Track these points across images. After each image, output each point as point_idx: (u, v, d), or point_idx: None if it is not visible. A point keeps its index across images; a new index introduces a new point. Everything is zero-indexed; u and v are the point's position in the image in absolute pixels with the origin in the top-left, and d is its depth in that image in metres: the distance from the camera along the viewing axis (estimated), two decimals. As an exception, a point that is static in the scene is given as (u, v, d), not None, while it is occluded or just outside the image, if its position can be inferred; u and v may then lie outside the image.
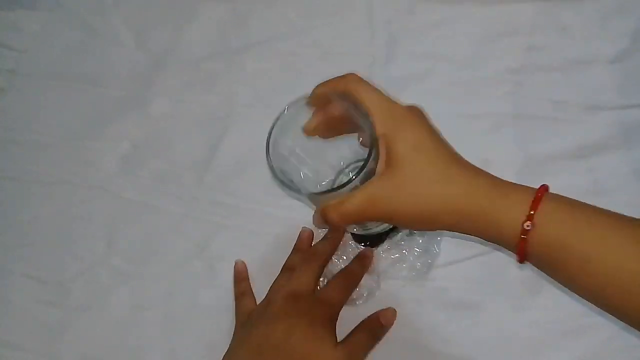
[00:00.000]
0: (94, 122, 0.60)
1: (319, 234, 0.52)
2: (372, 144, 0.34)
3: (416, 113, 0.36)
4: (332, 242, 0.50)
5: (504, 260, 0.51)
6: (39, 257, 0.54)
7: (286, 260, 0.50)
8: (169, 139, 0.59)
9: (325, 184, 0.46)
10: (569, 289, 0.35)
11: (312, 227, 0.52)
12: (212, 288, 0.51)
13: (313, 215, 0.39)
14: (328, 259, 0.49)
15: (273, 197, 0.55)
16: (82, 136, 0.59)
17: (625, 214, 0.47)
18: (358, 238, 0.51)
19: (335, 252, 0.51)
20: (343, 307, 0.47)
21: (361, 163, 0.35)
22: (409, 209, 0.33)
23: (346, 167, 0.46)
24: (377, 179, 0.34)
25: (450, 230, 0.35)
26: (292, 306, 0.44)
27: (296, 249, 0.51)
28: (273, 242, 0.52)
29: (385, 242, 0.51)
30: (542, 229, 0.32)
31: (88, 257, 0.53)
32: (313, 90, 0.38)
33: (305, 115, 0.40)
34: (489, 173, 0.35)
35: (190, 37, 0.63)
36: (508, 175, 0.53)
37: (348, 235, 0.51)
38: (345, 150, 0.45)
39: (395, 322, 0.48)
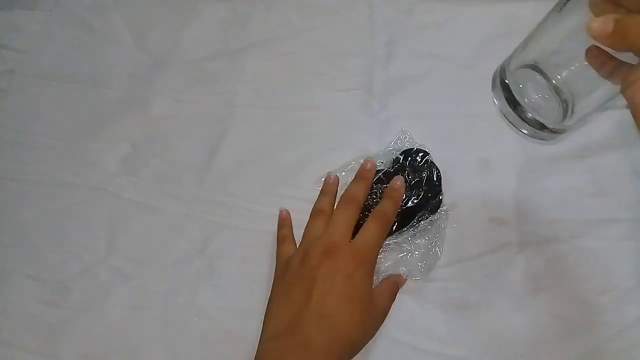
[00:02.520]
0: (94, 123, 0.60)
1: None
2: None
3: None
4: (365, 185, 0.50)
5: (504, 260, 0.51)
6: (39, 257, 0.54)
7: (316, 204, 0.51)
8: (169, 139, 0.59)
9: None
10: None
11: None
12: (212, 288, 0.51)
13: (595, 21, 0.31)
14: (363, 204, 0.49)
15: (273, 197, 0.55)
16: (82, 136, 0.59)
17: (625, 214, 0.47)
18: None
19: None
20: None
21: None
22: None
23: None
24: None
25: None
26: (330, 264, 0.44)
27: (324, 192, 0.52)
28: (273, 242, 0.52)
29: (389, 242, 0.51)
30: None
31: (88, 257, 0.53)
32: None
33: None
34: None
35: (191, 37, 0.63)
36: (508, 175, 0.54)
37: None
38: None
39: (395, 322, 0.48)
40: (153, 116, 0.60)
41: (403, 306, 0.49)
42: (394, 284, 0.49)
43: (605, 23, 0.31)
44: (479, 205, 0.53)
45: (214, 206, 0.55)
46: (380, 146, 0.55)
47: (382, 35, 0.61)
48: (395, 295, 0.49)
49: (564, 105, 0.41)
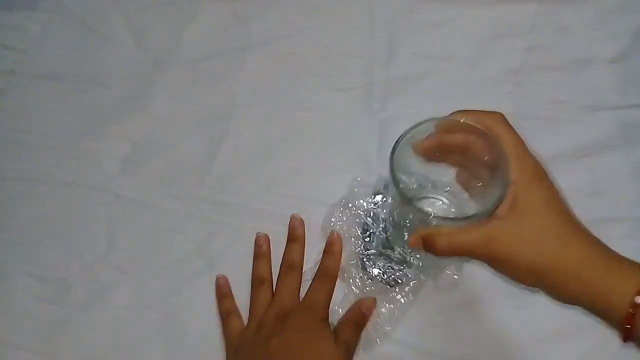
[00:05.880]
0: (95, 122, 0.60)
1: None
2: (504, 188, 0.35)
3: (544, 169, 0.36)
4: (300, 245, 0.51)
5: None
6: (39, 256, 0.54)
7: (253, 271, 0.51)
8: (170, 139, 0.59)
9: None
10: None
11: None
12: (212, 288, 0.51)
13: (410, 237, 0.38)
14: (302, 265, 0.50)
15: (273, 197, 0.55)
16: (82, 136, 0.59)
17: (625, 213, 0.47)
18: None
19: None
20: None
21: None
22: (523, 258, 0.34)
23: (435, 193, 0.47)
24: (500, 221, 0.34)
25: (551, 291, 0.35)
26: (283, 324, 0.45)
27: (258, 256, 0.51)
28: (273, 242, 0.52)
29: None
30: None
31: (89, 257, 0.53)
32: (452, 114, 0.38)
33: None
34: (603, 243, 0.35)
35: (190, 37, 0.63)
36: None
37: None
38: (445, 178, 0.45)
39: (395, 322, 0.48)
40: (153, 116, 0.60)
41: (403, 306, 0.49)
42: (357, 315, 0.47)
43: (416, 241, 0.37)
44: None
45: (214, 206, 0.55)
46: (379, 146, 0.56)
47: (382, 35, 0.61)
48: (362, 325, 0.47)
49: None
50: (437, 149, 0.40)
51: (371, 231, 0.50)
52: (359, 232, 0.51)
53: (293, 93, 0.60)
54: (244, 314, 0.49)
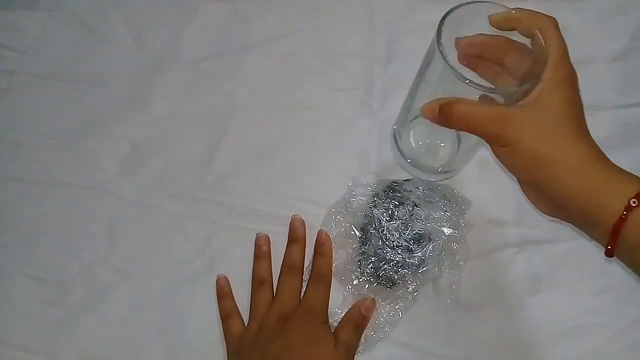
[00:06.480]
0: (94, 123, 0.60)
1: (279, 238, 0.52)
2: (535, 82, 0.36)
3: (577, 80, 0.37)
4: (300, 246, 0.51)
5: (504, 260, 0.51)
6: (39, 256, 0.54)
7: (254, 271, 0.51)
8: (169, 139, 0.59)
9: None
10: None
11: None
12: (212, 288, 0.51)
13: (427, 104, 0.38)
14: (302, 266, 0.50)
15: (273, 197, 0.55)
16: (82, 136, 0.59)
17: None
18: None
19: None
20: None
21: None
22: (530, 144, 0.35)
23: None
24: (520, 107, 0.36)
25: (547, 184, 0.36)
26: (284, 327, 0.46)
27: (258, 256, 0.51)
28: (273, 242, 0.52)
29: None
30: None
31: (88, 257, 0.53)
32: (507, 10, 0.38)
33: (477, 21, 0.40)
34: (606, 155, 0.36)
35: (190, 37, 0.63)
36: (508, 175, 0.53)
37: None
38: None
39: (395, 322, 0.48)
40: (153, 116, 0.60)
41: (402, 307, 0.49)
42: (357, 316, 0.48)
43: (432, 109, 0.37)
44: (478, 205, 0.53)
45: (214, 206, 0.55)
46: (378, 147, 0.56)
47: (382, 35, 0.61)
48: (362, 326, 0.48)
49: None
50: (480, 47, 0.40)
51: (369, 232, 0.50)
52: (357, 232, 0.51)
53: (293, 93, 0.60)
54: (244, 314, 0.50)
